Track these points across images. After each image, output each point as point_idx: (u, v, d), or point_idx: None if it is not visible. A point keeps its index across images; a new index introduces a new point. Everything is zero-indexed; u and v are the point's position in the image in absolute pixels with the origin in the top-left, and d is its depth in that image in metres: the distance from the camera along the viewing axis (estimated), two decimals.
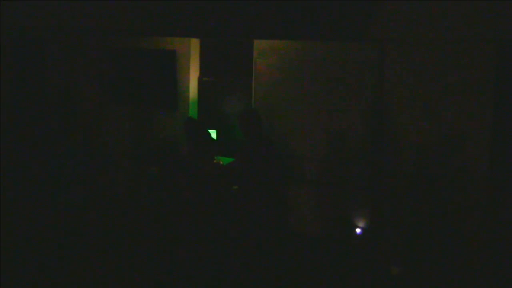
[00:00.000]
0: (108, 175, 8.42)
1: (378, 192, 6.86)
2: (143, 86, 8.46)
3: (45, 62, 8.92)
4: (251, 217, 6.29)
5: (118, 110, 8.65)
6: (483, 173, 6.34)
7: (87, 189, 6.71)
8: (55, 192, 6.81)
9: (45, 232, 7.09)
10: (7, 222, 7.36)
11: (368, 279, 6.47)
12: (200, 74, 8.28)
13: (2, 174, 8.26)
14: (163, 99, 8.32)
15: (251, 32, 7.17)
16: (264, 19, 6.99)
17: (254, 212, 6.27)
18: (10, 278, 6.33)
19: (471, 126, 6.36)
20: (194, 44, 8.19)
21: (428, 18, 6.42)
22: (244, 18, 7.05)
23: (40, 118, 8.91)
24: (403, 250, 6.65)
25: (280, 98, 7.51)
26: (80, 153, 6.69)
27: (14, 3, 8.11)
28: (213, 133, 7.60)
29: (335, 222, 7.16)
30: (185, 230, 6.31)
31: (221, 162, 6.90)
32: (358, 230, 6.92)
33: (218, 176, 6.52)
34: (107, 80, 8.72)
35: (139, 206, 7.33)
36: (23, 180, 8.48)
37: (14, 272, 6.48)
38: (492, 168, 6.35)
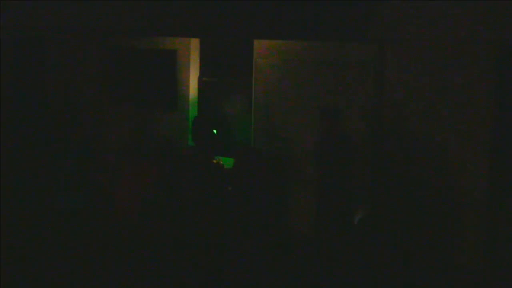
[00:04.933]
0: (107, 175, 8.42)
1: (378, 192, 6.86)
2: (143, 86, 8.46)
3: (45, 62, 8.93)
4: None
5: (118, 110, 8.65)
6: (483, 173, 6.34)
7: (86, 189, 6.71)
8: (54, 192, 6.80)
9: (44, 233, 7.09)
10: (7, 222, 7.36)
11: (367, 279, 6.47)
12: (200, 74, 8.28)
13: (1, 174, 8.26)
14: (163, 99, 8.32)
15: (251, 32, 7.18)
16: (264, 19, 6.99)
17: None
18: (10, 278, 6.33)
19: (471, 126, 6.36)
20: (194, 44, 8.19)
21: (428, 18, 6.43)
22: (244, 18, 7.06)
23: (40, 118, 8.91)
24: (403, 250, 6.65)
25: (280, 98, 7.51)
26: (80, 153, 6.69)
27: (14, 3, 8.11)
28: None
29: (335, 222, 7.16)
30: (185, 229, 6.32)
31: (222, 162, 6.90)
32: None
33: (218, 176, 6.53)
34: (107, 80, 8.72)
35: (139, 206, 7.33)
36: (23, 180, 8.48)
37: (14, 272, 6.49)
38: (492, 168, 6.35)
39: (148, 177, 6.43)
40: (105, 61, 8.69)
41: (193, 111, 8.22)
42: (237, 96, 8.00)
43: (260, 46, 7.61)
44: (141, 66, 8.44)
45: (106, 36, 8.51)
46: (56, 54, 8.88)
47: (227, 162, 7.28)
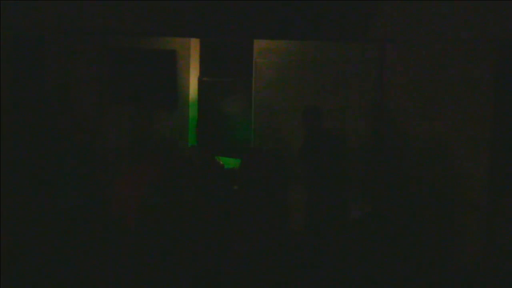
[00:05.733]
0: (107, 175, 8.42)
1: (378, 192, 6.86)
2: (143, 86, 8.46)
3: (44, 62, 8.92)
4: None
5: (118, 110, 8.65)
6: (483, 173, 6.34)
7: (86, 190, 6.71)
8: (54, 192, 6.80)
9: (44, 232, 7.08)
10: (7, 222, 7.36)
11: (364, 279, 6.47)
12: (200, 74, 8.28)
13: (1, 174, 8.26)
14: (163, 99, 8.32)
15: (251, 32, 7.18)
16: (264, 19, 6.99)
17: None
18: (10, 278, 6.33)
19: (471, 126, 6.36)
20: (194, 44, 8.20)
21: (428, 18, 6.44)
22: (244, 18, 7.06)
23: (40, 118, 8.91)
24: (401, 250, 6.65)
25: (280, 98, 7.51)
26: (80, 153, 6.69)
27: (14, 3, 8.11)
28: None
29: (325, 221, 7.15)
30: (185, 229, 6.32)
31: (221, 162, 6.90)
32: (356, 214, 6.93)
33: (219, 176, 6.53)
34: (107, 80, 8.72)
35: (139, 206, 7.34)
36: (23, 180, 8.47)
37: (14, 272, 6.48)
38: (492, 168, 6.35)
39: (148, 177, 6.43)
40: (105, 61, 8.68)
41: (193, 111, 8.23)
42: (237, 96, 8.00)
43: (260, 46, 7.61)
44: (141, 66, 8.44)
45: (106, 36, 8.51)
46: (56, 54, 8.87)
47: (226, 162, 7.29)
